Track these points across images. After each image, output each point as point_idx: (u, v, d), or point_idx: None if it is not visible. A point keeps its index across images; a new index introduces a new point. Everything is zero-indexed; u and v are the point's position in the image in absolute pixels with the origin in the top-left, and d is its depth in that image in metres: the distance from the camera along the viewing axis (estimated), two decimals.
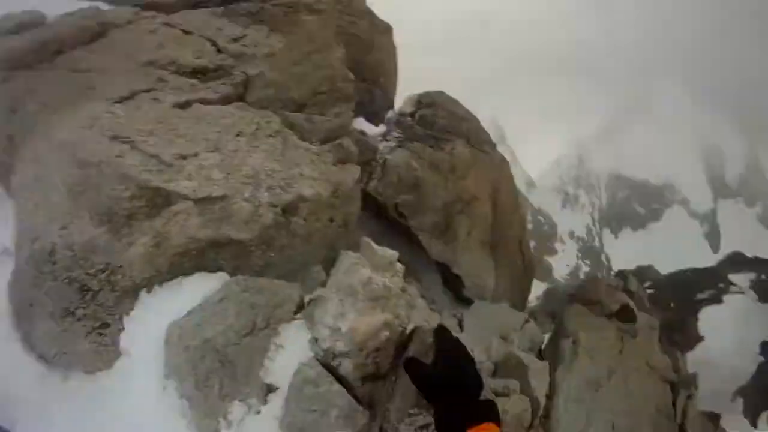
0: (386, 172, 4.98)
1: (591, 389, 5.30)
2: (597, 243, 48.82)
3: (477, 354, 4.34)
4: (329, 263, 2.11)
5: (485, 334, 5.28)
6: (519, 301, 7.22)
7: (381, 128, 5.52)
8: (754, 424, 9.24)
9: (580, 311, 5.97)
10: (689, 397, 6.06)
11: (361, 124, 5.16)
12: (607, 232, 52.77)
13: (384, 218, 5.23)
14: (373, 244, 2.26)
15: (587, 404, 5.22)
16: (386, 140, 5.30)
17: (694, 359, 7.88)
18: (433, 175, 5.32)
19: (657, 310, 11.56)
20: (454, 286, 6.20)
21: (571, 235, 46.19)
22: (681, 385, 5.97)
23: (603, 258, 46.82)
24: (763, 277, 14.11)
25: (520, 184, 47.15)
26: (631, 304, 6.60)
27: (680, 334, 11.37)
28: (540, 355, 5.67)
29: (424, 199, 5.20)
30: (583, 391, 5.25)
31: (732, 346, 10.78)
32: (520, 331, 5.55)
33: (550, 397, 5.29)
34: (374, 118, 5.53)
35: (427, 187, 5.22)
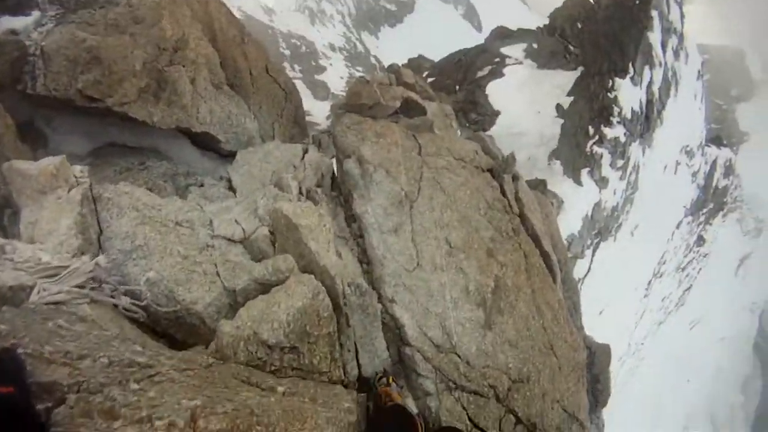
0: (49, 60, 3.99)
1: (402, 210, 4.08)
2: (361, 48, 47.38)
3: (246, 226, 3.24)
4: None
5: (257, 187, 3.79)
6: (297, 132, 6.10)
7: (36, 15, 4.36)
8: (579, 182, 10.00)
9: (354, 121, 4.49)
10: (515, 178, 5.23)
11: (7, 22, 4.15)
12: (366, 35, 51.00)
13: (81, 112, 4.21)
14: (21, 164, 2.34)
15: (405, 229, 4.04)
16: (42, 25, 4.27)
17: (499, 136, 7.50)
18: (113, 37, 4.20)
19: (444, 97, 11.11)
20: (209, 145, 5.16)
21: (332, 47, 44.06)
22: (500, 168, 5.08)
23: (372, 60, 46.08)
24: (534, 45, 14.43)
25: (255, 11, 42.13)
26: (414, 95, 5.39)
27: (476, 113, 11.22)
28: (333, 186, 4.39)
29: (113, 68, 4.13)
30: (393, 216, 4.03)
31: (529, 114, 11.02)
32: (301, 166, 4.01)
33: (361, 235, 4.03)
34: (21, 7, 4.32)
35: (110, 54, 4.17)
